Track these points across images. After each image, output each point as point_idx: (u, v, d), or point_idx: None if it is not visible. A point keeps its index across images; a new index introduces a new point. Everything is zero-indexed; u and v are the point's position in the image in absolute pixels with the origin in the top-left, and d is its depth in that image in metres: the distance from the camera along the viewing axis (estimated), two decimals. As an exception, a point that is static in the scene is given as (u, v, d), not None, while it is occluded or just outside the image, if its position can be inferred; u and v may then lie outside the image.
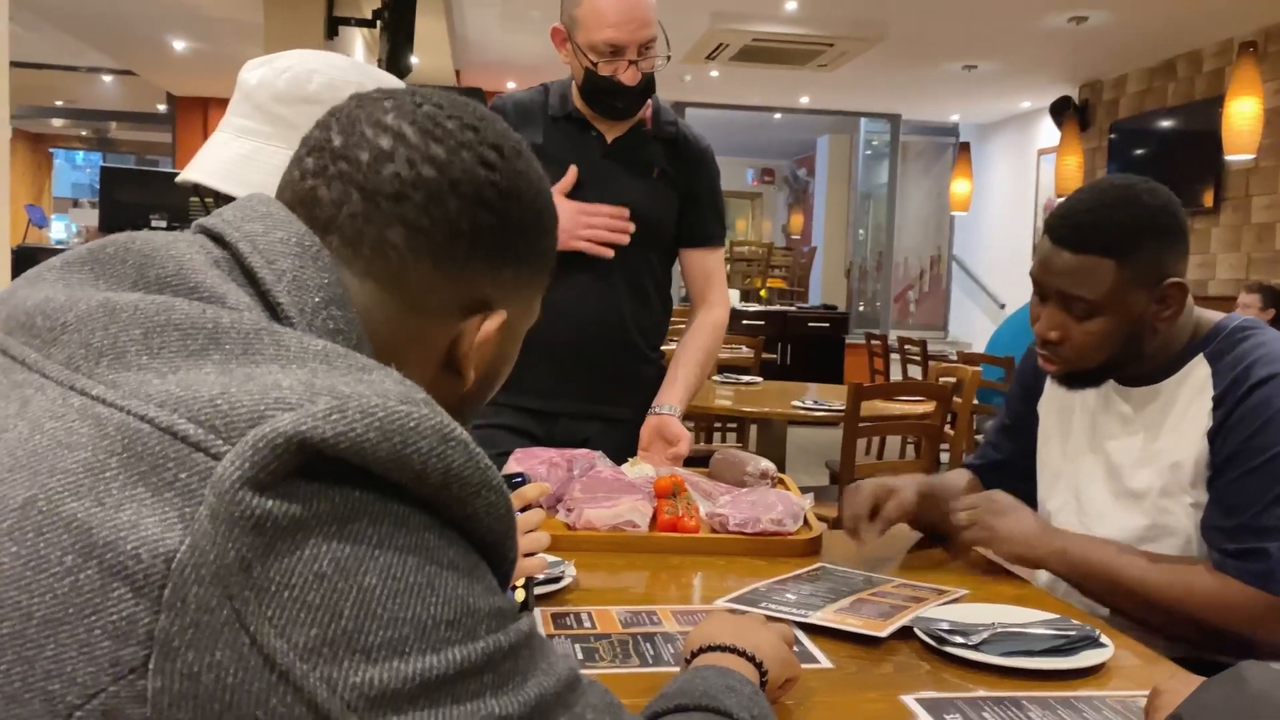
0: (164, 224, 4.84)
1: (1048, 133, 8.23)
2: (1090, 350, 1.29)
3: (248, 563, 0.47)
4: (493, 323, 0.67)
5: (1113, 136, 7.30)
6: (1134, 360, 1.31)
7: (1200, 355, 1.30)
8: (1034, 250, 1.38)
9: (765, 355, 5.37)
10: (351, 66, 1.14)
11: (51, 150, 13.41)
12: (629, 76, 1.77)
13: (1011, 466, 1.54)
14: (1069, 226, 1.27)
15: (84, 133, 13.07)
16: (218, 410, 0.49)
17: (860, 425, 2.94)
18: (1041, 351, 1.35)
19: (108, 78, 9.65)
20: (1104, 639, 1.10)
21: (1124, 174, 1.32)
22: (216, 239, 0.63)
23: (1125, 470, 1.34)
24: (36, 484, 0.49)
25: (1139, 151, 6.92)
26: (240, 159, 1.11)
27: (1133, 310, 1.26)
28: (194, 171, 1.13)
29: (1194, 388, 1.29)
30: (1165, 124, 6.80)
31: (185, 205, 4.36)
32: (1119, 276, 1.24)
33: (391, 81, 1.03)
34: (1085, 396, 1.41)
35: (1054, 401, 1.48)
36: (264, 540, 0.47)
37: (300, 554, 0.48)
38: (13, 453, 0.51)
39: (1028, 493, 1.47)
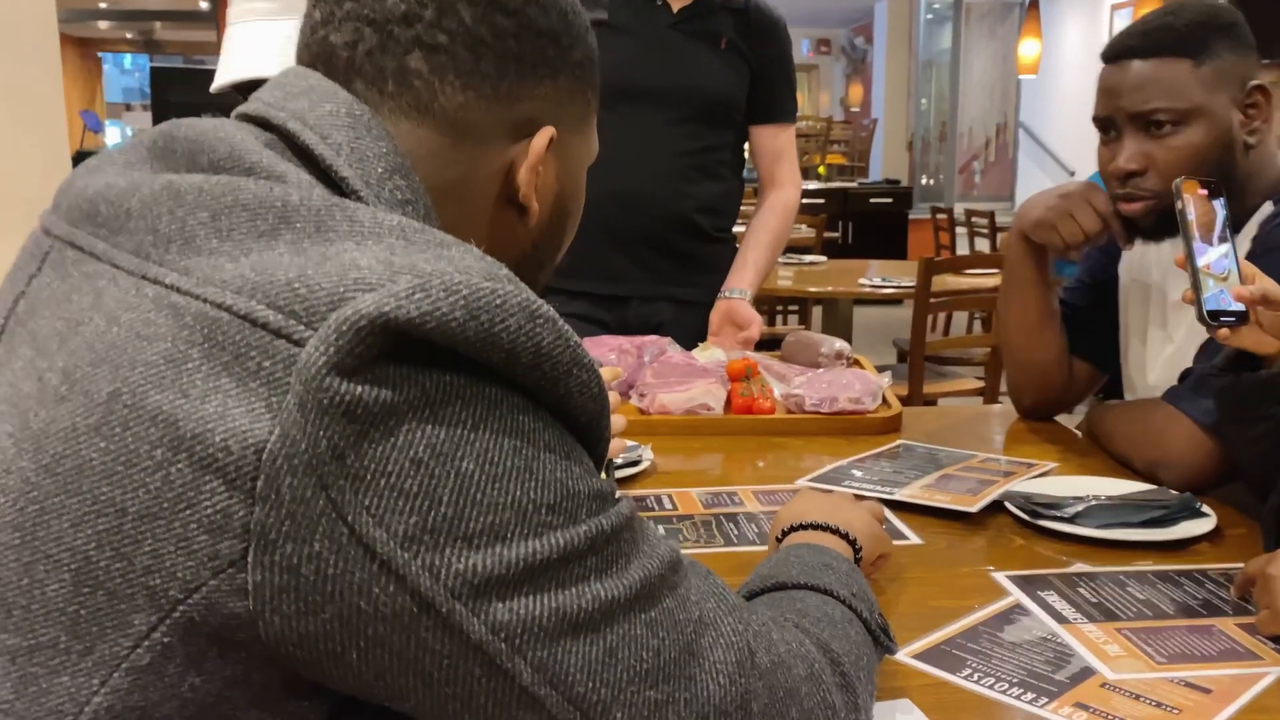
0: (217, 123, 4.84)
1: (1122, -15, 7.77)
2: (1183, 170, 1.15)
3: (340, 451, 0.46)
4: (541, 138, 0.64)
5: (1194, -14, 6.87)
6: (1230, 187, 1.20)
7: (1272, 198, 1.20)
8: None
9: (827, 234, 5.25)
10: None
11: (100, 55, 13.42)
12: None
13: (1089, 319, 1.46)
14: (1134, 36, 1.20)
15: (129, 35, 13.02)
16: (296, 294, 0.47)
17: (930, 301, 2.87)
18: (1121, 192, 1.22)
19: (150, -24, 9.55)
20: (1205, 509, 1.07)
21: None
22: (262, 123, 0.60)
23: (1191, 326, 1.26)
24: (119, 378, 0.48)
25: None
26: (283, 40, 1.07)
27: (1221, 118, 1.17)
28: (230, 72, 1.10)
29: (1250, 229, 1.20)
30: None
31: (237, 104, 4.35)
32: (1199, 76, 1.16)
33: None
34: (1161, 255, 1.32)
35: (1134, 260, 1.39)
36: (356, 427, 0.46)
37: (394, 440, 0.46)
38: (92, 346, 0.50)
39: (1109, 345, 1.41)
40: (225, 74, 1.12)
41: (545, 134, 0.65)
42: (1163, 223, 1.21)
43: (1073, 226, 1.27)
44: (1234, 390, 1.04)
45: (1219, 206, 1.03)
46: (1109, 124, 1.23)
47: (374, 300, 0.46)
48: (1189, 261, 1.00)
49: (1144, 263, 1.36)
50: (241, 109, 0.62)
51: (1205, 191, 1.04)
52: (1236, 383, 1.04)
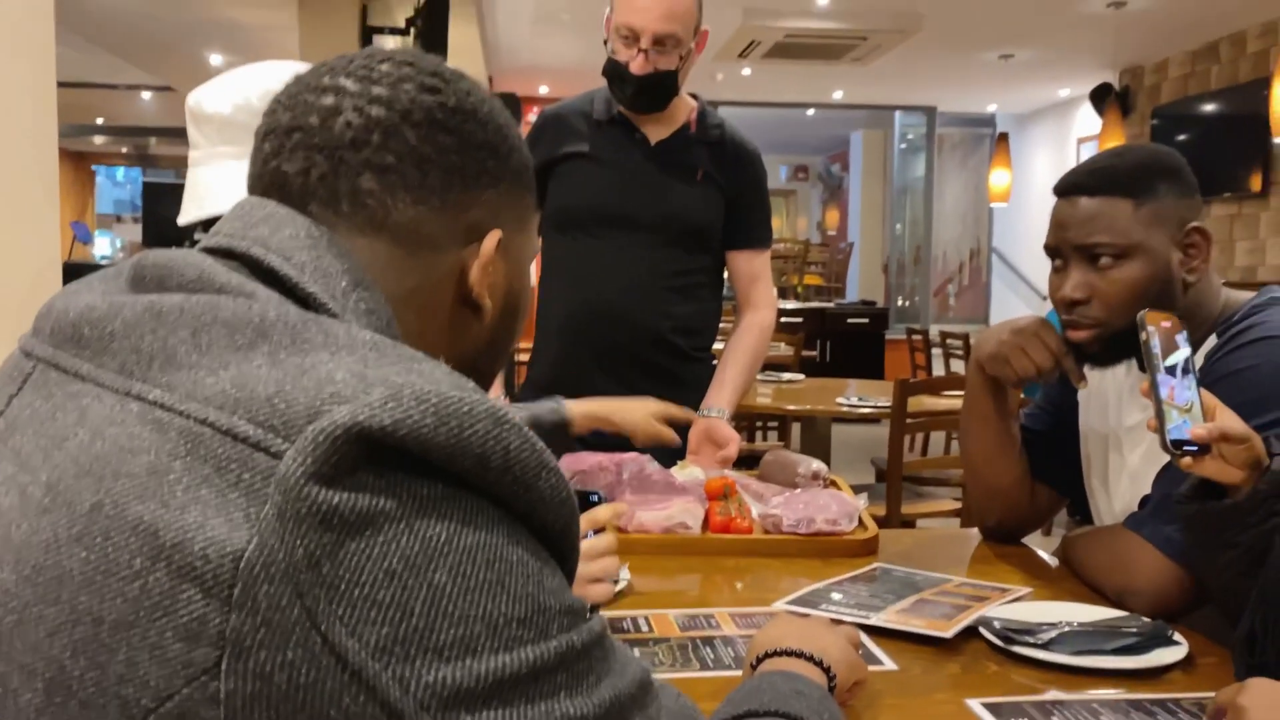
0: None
1: (1087, 120, 8.11)
2: (1118, 303, 1.22)
3: (317, 560, 0.47)
4: (490, 241, 0.68)
5: (1155, 122, 7.17)
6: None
7: (1215, 332, 1.25)
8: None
9: (805, 352, 5.33)
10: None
11: (94, 167, 13.65)
12: (637, 65, 1.77)
13: (1050, 444, 1.48)
14: (1081, 175, 1.27)
15: (124, 149, 13.27)
16: (275, 409, 0.49)
17: (907, 422, 2.90)
18: (1067, 318, 1.27)
19: (147, 94, 9.80)
20: (1176, 636, 1.07)
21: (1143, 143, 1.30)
22: (225, 253, 0.62)
23: (1147, 448, 1.29)
24: (102, 489, 0.50)
25: (1182, 137, 6.79)
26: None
27: (1160, 255, 1.23)
28: (202, 207, 1.15)
29: (1197, 360, 1.23)
30: (1209, 108, 6.67)
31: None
32: (1138, 215, 1.22)
33: None
34: (1118, 381, 1.36)
35: (1092, 384, 1.41)
36: (333, 536, 0.47)
37: (370, 550, 0.48)
38: (76, 460, 0.51)
39: (1069, 470, 1.44)
40: (194, 211, 1.17)
41: (493, 237, 0.68)
42: (1109, 350, 1.26)
43: (1024, 362, 1.31)
44: (1201, 518, 1.06)
45: (1182, 339, 1.06)
46: (1057, 253, 1.29)
47: (348, 411, 0.48)
48: (1153, 391, 1.03)
49: (1101, 387, 1.39)
50: (204, 243, 0.64)
51: (1169, 324, 1.07)
52: (1203, 511, 1.06)
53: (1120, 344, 1.25)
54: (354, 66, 0.66)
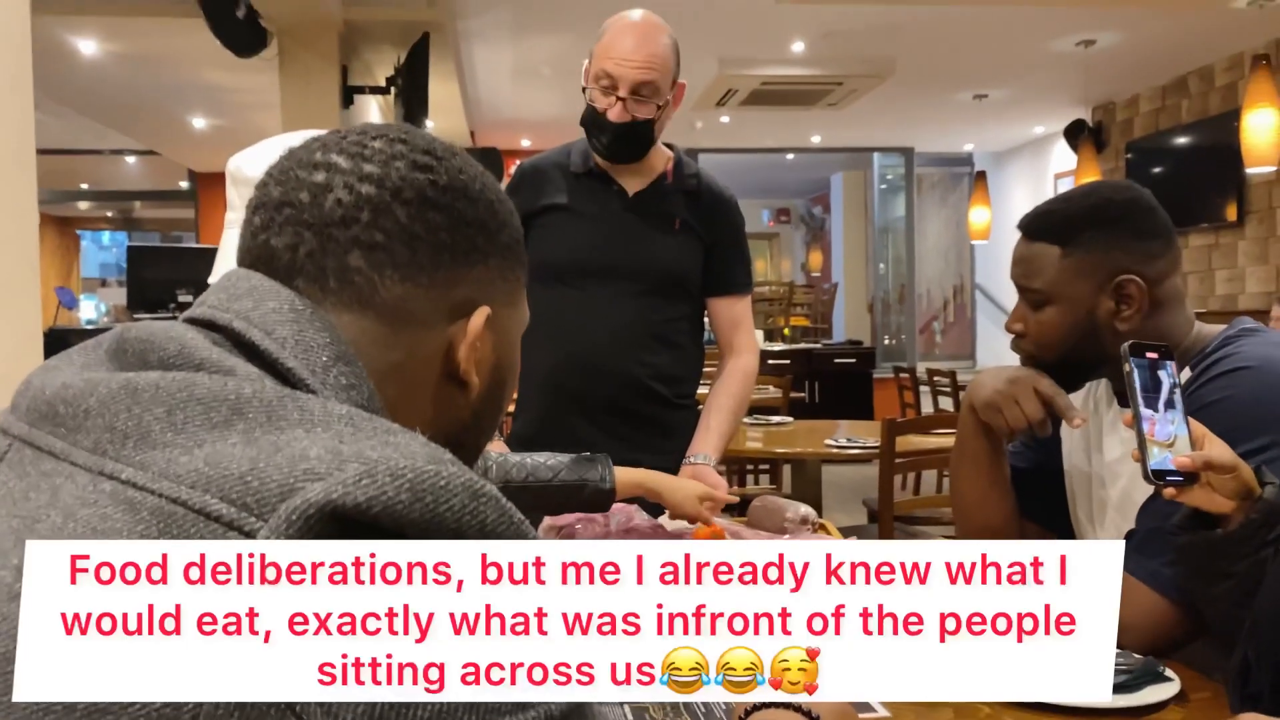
0: (190, 298, 4.91)
1: (1063, 156, 8.22)
2: (1045, 343, 1.28)
3: None
4: (478, 318, 0.67)
5: (1129, 156, 7.27)
6: (1103, 363, 1.28)
7: (1189, 365, 1.25)
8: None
9: (793, 394, 5.33)
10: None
11: (78, 232, 13.69)
12: (615, 113, 1.79)
13: (1036, 481, 1.49)
14: (1028, 216, 1.32)
15: (109, 213, 13.33)
16: (248, 487, 0.49)
17: (896, 461, 2.90)
18: (1013, 346, 1.35)
19: (131, 158, 9.87)
20: (1169, 672, 1.07)
21: (1117, 180, 1.31)
22: (208, 325, 0.62)
23: (1129, 480, 1.30)
24: None
25: (1157, 170, 6.89)
26: None
27: (1082, 303, 1.25)
28: (229, 267, 1.19)
29: None
30: (1182, 141, 6.78)
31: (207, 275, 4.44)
32: (1062, 265, 1.25)
33: None
34: (1096, 414, 1.37)
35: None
36: None
37: None
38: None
39: (1056, 507, 1.44)
40: (222, 270, 1.20)
41: (481, 314, 0.68)
42: (1063, 379, 1.29)
43: (1016, 412, 1.32)
44: (1194, 549, 1.06)
45: (1165, 373, 1.07)
46: (1014, 283, 1.34)
47: (322, 489, 0.48)
48: (1136, 423, 1.03)
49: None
50: (188, 314, 0.64)
51: (1155, 355, 1.08)
52: (1196, 541, 1.05)
53: (1062, 377, 1.30)
54: (347, 143, 0.66)
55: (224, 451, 0.51)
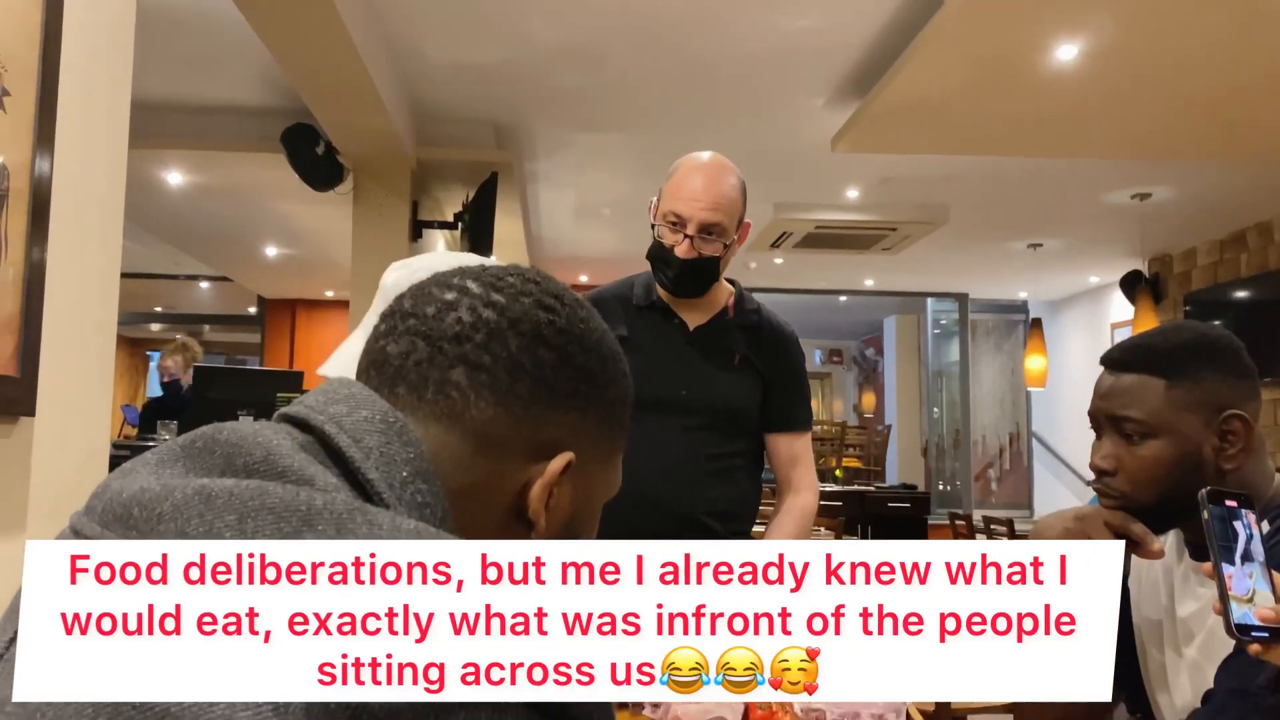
0: (251, 417, 5.00)
1: (1120, 306, 8.19)
2: (1145, 479, 1.21)
3: None
4: (558, 461, 0.67)
5: (1188, 308, 7.23)
6: (1195, 508, 1.22)
7: (1267, 518, 1.20)
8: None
9: (846, 536, 5.23)
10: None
11: (148, 353, 14.14)
12: (682, 249, 1.83)
13: None
14: (1120, 350, 1.28)
15: (179, 336, 13.76)
16: None
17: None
18: (1097, 486, 1.27)
19: (204, 284, 10.25)
20: None
21: (1198, 321, 1.29)
22: (301, 424, 0.64)
23: (1208, 637, 1.24)
24: None
25: (1218, 322, 6.81)
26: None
27: (1189, 438, 1.20)
28: (326, 367, 1.26)
29: None
30: (1241, 294, 6.74)
31: (272, 401, 4.53)
32: (1169, 395, 1.21)
33: None
34: (1168, 565, 1.32)
35: (1141, 572, 1.38)
36: None
37: None
38: None
39: (1124, 665, 1.37)
40: (328, 365, 1.31)
41: (563, 459, 0.68)
42: (1150, 522, 1.23)
43: None
44: None
45: (1241, 524, 1.03)
46: (1095, 421, 1.29)
47: None
48: (1216, 573, 0.99)
49: (1152, 574, 1.35)
50: (285, 410, 0.67)
51: (1234, 503, 1.04)
52: None
53: (1151, 520, 1.23)
54: (486, 274, 0.70)
55: None
